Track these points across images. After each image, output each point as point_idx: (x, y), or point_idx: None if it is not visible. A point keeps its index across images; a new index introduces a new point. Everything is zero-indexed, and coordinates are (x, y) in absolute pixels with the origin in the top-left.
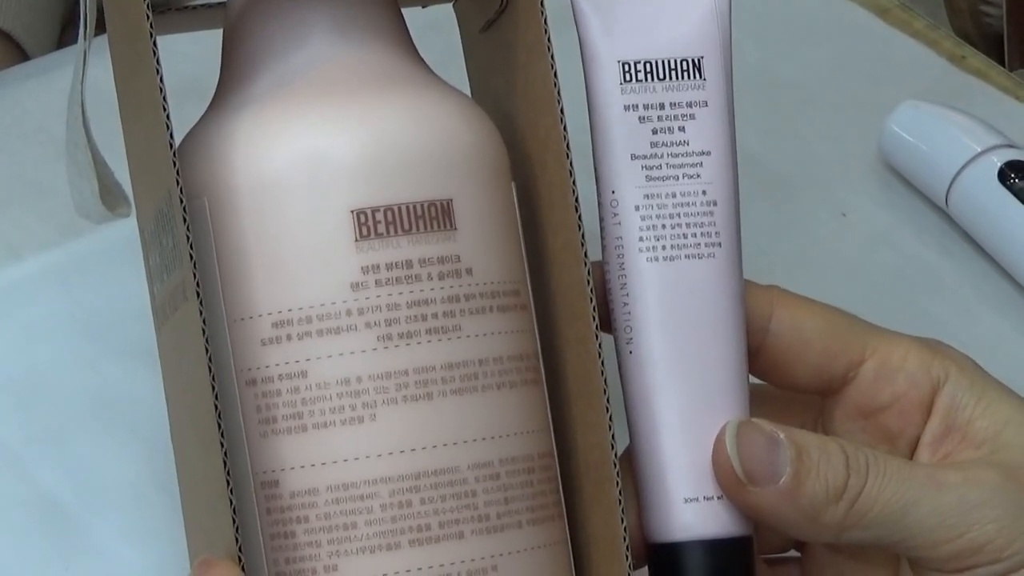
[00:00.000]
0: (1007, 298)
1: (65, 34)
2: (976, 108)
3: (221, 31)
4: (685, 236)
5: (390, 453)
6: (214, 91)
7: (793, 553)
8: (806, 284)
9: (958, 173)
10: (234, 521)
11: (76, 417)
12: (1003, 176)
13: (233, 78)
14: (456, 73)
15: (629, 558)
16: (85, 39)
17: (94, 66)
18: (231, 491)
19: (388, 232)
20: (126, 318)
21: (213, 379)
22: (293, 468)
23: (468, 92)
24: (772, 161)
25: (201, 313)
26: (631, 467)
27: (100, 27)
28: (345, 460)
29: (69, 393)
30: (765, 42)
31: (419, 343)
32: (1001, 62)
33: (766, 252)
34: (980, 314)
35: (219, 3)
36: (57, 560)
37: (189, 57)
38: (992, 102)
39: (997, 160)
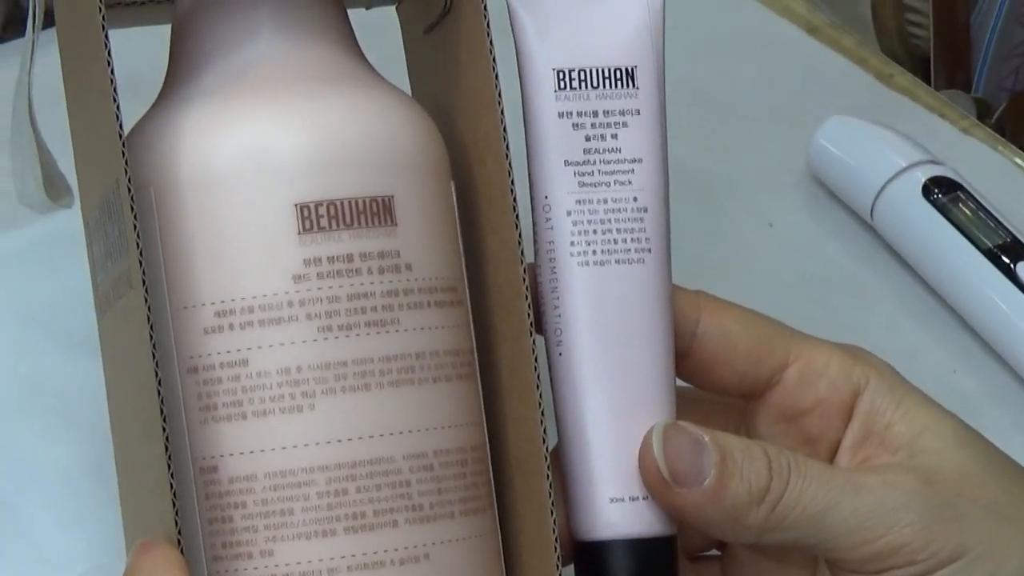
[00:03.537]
0: (928, 310)
1: (6, 31)
2: (902, 125)
3: (165, 27)
4: (615, 241)
5: (328, 442)
6: (151, 88)
7: (714, 552)
8: (731, 292)
9: (883, 187)
10: (174, 505)
11: (10, 404)
12: (927, 191)
13: (181, 73)
14: (398, 74)
15: (558, 550)
16: (33, 31)
17: (38, 58)
18: (172, 476)
19: (330, 226)
20: (63, 308)
21: (157, 366)
22: (232, 455)
23: (409, 92)
24: (702, 171)
25: (146, 301)
26: (559, 466)
27: (47, 20)
28: (283, 448)
29: (3, 380)
30: (697, 55)
31: (358, 335)
32: (927, 82)
33: (693, 260)
34: (901, 325)
35: None
36: None
37: (129, 54)
38: (918, 120)
39: (922, 176)
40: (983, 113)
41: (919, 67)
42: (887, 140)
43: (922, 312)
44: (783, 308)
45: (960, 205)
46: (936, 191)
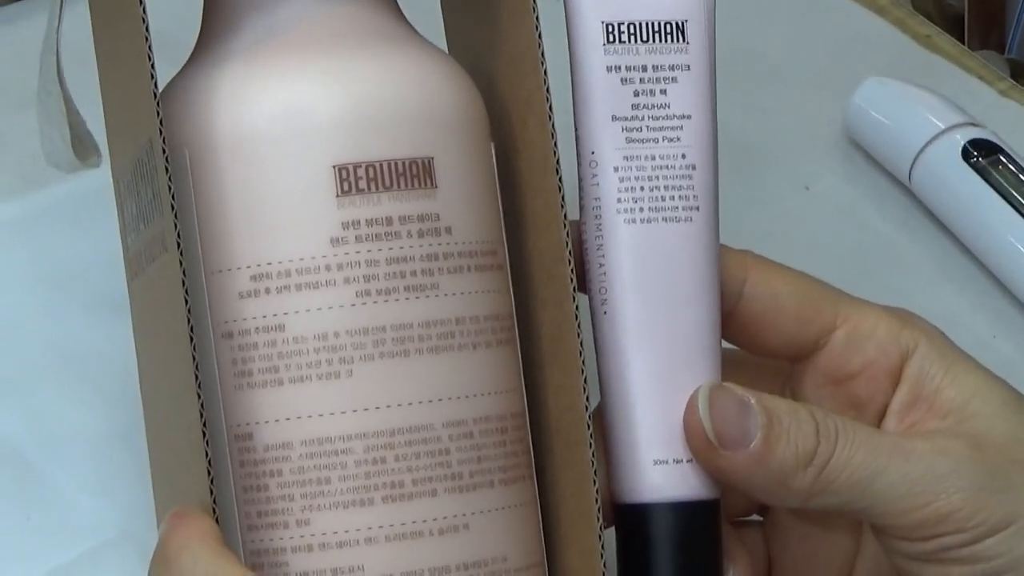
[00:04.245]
0: (967, 275)
1: None
2: (940, 87)
3: None
4: (663, 199)
5: (365, 409)
6: (179, 45)
7: (756, 517)
8: (768, 255)
9: (922, 150)
10: (209, 473)
11: (37, 367)
12: (966, 154)
13: (216, 31)
14: (435, 32)
15: (600, 520)
16: None
17: (67, 14)
18: (207, 443)
19: (369, 188)
20: (90, 269)
21: (191, 330)
22: (268, 421)
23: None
24: (737, 133)
25: (181, 264)
26: (601, 427)
27: None
28: (320, 415)
29: (30, 343)
30: (733, 15)
31: (397, 300)
32: (961, 42)
33: (727, 223)
34: (940, 290)
35: None
36: (16, 510)
37: (156, 11)
38: (956, 82)
39: (961, 138)
40: (1017, 74)
41: (952, 27)
42: (925, 102)
43: (961, 277)
44: (819, 273)
45: (1000, 168)
46: (976, 154)
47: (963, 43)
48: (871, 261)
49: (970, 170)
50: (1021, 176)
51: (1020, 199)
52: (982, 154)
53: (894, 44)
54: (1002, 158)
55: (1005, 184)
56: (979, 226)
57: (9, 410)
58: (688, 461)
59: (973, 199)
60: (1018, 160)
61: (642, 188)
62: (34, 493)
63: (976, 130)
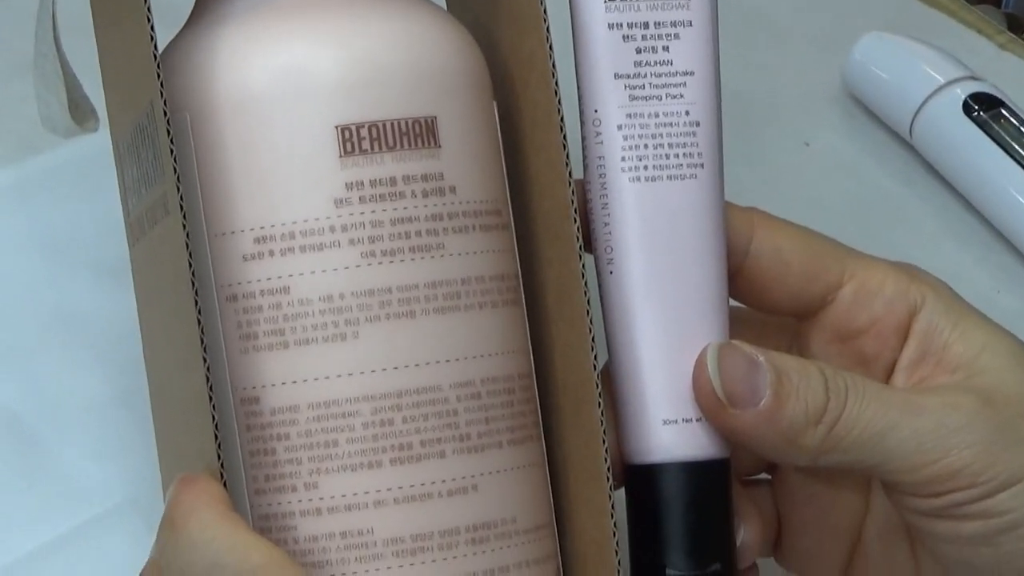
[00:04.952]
0: (969, 230)
1: None
2: (939, 41)
3: None
4: (667, 156)
5: (372, 371)
6: (177, 6)
7: (764, 476)
8: (769, 212)
9: (922, 104)
10: (216, 437)
11: (37, 333)
12: (967, 108)
13: None
14: None
15: (610, 480)
16: None
17: None
18: (213, 407)
19: (372, 149)
20: (88, 234)
21: (196, 293)
22: (274, 385)
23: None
24: (736, 90)
25: (184, 227)
26: (609, 388)
27: None
28: (327, 377)
29: (30, 309)
30: None
31: (402, 261)
32: None
33: (729, 180)
34: (942, 245)
35: None
36: (18, 478)
37: None
38: (955, 35)
39: (961, 92)
40: (1015, 27)
41: None
42: (925, 56)
43: (964, 232)
44: (820, 229)
45: (1002, 122)
46: (977, 107)
47: None
48: (872, 217)
49: (971, 124)
50: (1022, 129)
51: (1022, 152)
52: (983, 108)
53: None
54: (1003, 111)
55: (1006, 137)
56: (981, 180)
57: (11, 377)
58: (697, 420)
59: (974, 153)
60: (1019, 113)
61: (646, 146)
62: (37, 460)
63: (976, 84)
